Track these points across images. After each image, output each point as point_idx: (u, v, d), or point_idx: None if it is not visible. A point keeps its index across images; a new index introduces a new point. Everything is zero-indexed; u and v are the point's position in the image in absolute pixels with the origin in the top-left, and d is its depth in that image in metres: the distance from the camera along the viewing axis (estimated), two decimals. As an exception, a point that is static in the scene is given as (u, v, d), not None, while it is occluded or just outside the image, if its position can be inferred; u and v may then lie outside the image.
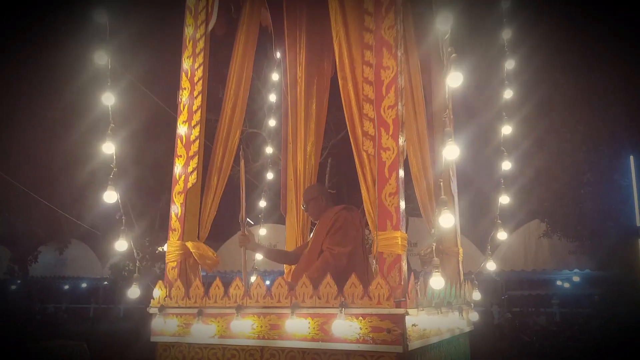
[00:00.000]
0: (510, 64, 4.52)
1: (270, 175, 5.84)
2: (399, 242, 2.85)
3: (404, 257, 2.81)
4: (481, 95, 9.78)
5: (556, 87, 10.84)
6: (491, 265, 4.24)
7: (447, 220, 2.67)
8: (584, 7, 10.12)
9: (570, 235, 11.74)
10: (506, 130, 4.52)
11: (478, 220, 9.76)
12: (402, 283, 2.77)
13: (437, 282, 2.70)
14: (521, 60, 4.71)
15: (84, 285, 23.01)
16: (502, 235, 4.28)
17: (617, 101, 10.34)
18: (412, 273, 2.84)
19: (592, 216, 10.94)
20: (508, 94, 4.53)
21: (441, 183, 3.28)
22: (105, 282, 20.21)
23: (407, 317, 2.70)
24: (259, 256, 4.64)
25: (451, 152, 2.81)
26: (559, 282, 18.76)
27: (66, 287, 23.95)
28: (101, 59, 3.96)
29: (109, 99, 3.92)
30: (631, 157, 10.09)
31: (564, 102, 10.90)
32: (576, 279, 16.71)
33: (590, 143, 10.56)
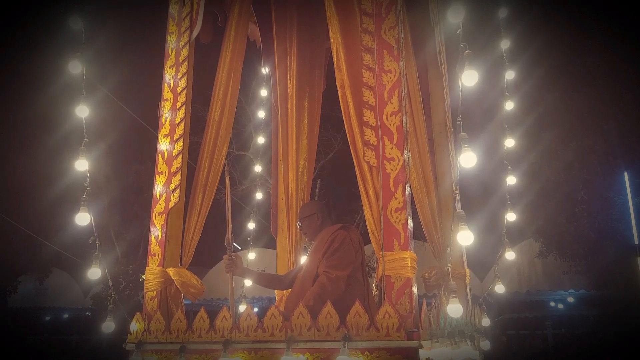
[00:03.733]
0: (507, 78, 4.34)
1: (258, 196, 5.51)
2: (409, 264, 2.52)
3: (414, 281, 2.48)
4: (473, 113, 9.64)
5: (546, 105, 10.76)
6: (500, 288, 3.92)
7: (466, 237, 2.36)
8: (574, 23, 10.13)
9: (565, 254, 11.51)
10: (508, 143, 4.30)
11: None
12: (414, 311, 2.43)
13: (455, 309, 2.36)
14: (515, 79, 4.54)
15: (65, 315, 22.16)
16: (510, 255, 3.98)
17: (608, 117, 10.27)
18: (424, 299, 2.50)
19: (588, 235, 10.73)
20: (506, 108, 4.33)
21: (457, 195, 2.96)
22: (87, 313, 19.43)
23: (420, 351, 2.35)
24: (248, 282, 4.26)
25: (468, 159, 2.51)
26: (552, 303, 18.48)
27: (47, 318, 23.06)
28: (75, 68, 3.65)
29: (83, 112, 3.59)
30: (625, 174, 9.95)
31: (554, 120, 10.81)
32: (571, 299, 16.45)
33: (583, 160, 10.42)
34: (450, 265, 2.71)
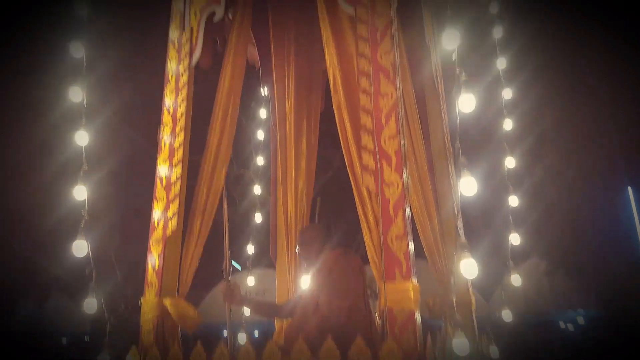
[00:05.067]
0: (505, 97, 4.32)
1: (258, 218, 5.45)
2: (412, 296, 2.44)
3: (417, 314, 2.39)
4: (472, 133, 9.62)
5: (546, 122, 10.75)
6: (507, 315, 3.82)
7: (471, 268, 2.28)
8: (571, 40, 10.17)
9: (572, 273, 11.37)
10: (509, 163, 4.26)
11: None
12: (418, 347, 2.33)
13: (461, 345, 2.26)
14: (513, 97, 4.53)
15: (64, 340, 21.88)
16: (515, 280, 3.89)
17: (609, 133, 10.25)
18: (429, 332, 2.41)
19: (594, 251, 10.62)
20: (505, 128, 4.30)
21: (458, 224, 2.89)
22: (86, 338, 19.16)
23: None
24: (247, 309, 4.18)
25: (469, 185, 2.46)
26: (562, 324, 18.14)
27: (46, 343, 22.77)
28: (76, 94, 3.63)
29: (82, 138, 3.56)
30: (629, 189, 9.88)
31: (555, 137, 10.79)
32: (581, 320, 16.15)
33: (585, 177, 10.37)
34: (454, 297, 2.62)
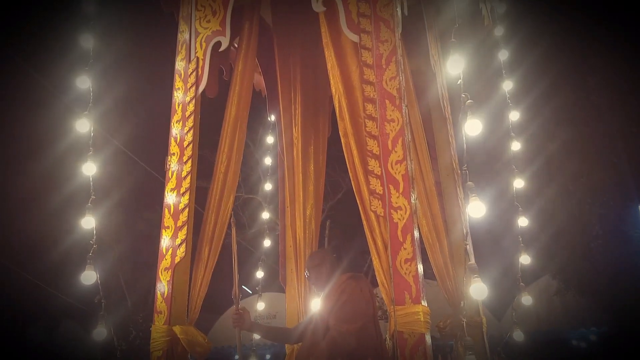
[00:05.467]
0: (512, 119, 4.34)
1: (267, 243, 5.46)
2: (422, 319, 2.43)
3: (428, 336, 2.38)
4: (479, 155, 9.63)
5: (555, 141, 10.72)
6: (519, 336, 3.77)
7: (480, 291, 2.27)
8: (579, 59, 10.22)
9: (584, 292, 11.18)
10: (518, 184, 4.26)
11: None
12: (429, 369, 2.32)
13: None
14: (521, 118, 4.54)
15: (74, 367, 21.71)
16: (527, 300, 3.85)
17: (618, 151, 10.19)
18: (440, 355, 2.39)
19: (605, 270, 10.45)
20: (512, 149, 4.31)
21: (467, 246, 2.89)
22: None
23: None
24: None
25: (477, 209, 2.46)
26: (574, 342, 17.79)
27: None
28: (83, 126, 3.70)
29: (90, 169, 3.62)
30: (639, 207, 9.78)
31: (564, 156, 10.73)
32: (593, 338, 15.83)
33: (596, 195, 10.28)
34: (465, 320, 2.60)
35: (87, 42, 3.81)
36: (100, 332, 3.23)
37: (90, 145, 3.60)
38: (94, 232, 3.39)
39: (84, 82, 3.71)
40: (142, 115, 11.74)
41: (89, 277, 3.21)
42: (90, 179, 3.51)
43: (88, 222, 3.39)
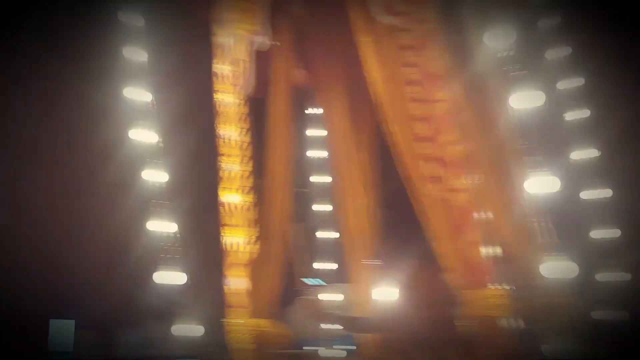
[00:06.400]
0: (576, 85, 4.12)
1: (324, 234, 5.53)
2: (495, 301, 2.42)
3: (502, 319, 2.33)
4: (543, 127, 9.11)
5: (625, 110, 9.89)
6: (605, 313, 3.55)
7: (562, 269, 2.19)
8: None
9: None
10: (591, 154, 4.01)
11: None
12: (507, 351, 2.26)
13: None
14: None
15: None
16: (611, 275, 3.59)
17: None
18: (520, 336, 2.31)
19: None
20: (583, 114, 4.09)
21: (541, 224, 2.75)
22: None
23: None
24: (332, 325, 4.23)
25: (548, 183, 2.34)
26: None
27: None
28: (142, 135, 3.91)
29: (159, 176, 3.81)
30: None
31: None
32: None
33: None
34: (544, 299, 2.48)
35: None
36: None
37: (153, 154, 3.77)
38: (165, 235, 3.57)
39: (144, 95, 3.92)
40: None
41: (165, 277, 3.40)
42: (155, 184, 3.69)
43: (160, 226, 3.57)
